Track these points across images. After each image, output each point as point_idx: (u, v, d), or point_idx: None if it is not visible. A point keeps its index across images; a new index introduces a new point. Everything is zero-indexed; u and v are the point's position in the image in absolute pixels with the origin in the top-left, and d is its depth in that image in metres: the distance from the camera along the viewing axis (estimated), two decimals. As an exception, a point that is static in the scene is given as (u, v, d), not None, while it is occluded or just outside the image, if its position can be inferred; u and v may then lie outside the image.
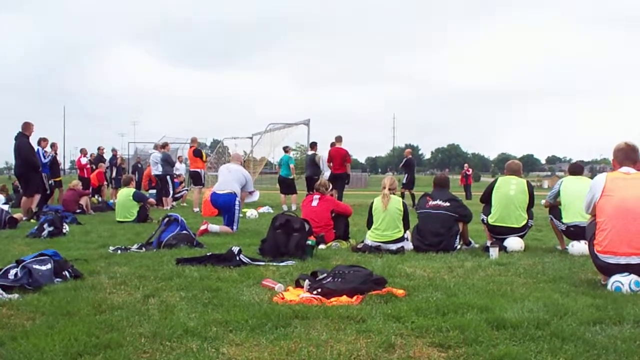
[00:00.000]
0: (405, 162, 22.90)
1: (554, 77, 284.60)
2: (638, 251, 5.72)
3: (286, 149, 21.00)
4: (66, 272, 6.08)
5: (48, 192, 18.24)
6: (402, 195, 19.49)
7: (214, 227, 10.94)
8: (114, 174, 25.95)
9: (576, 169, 9.46)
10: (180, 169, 24.29)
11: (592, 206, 6.21)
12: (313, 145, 20.84)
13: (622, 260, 5.76)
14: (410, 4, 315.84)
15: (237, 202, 11.43)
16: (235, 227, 11.33)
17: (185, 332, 4.05)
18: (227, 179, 11.80)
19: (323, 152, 20.40)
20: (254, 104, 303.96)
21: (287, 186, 20.33)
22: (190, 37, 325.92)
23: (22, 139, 14.63)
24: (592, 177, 7.20)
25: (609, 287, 5.72)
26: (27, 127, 14.75)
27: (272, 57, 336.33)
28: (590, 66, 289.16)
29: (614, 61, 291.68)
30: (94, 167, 23.92)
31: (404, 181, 22.34)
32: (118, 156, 27.98)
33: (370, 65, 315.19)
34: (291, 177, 20.26)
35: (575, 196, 8.54)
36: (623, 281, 5.64)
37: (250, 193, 12.22)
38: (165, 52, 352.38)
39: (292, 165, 20.31)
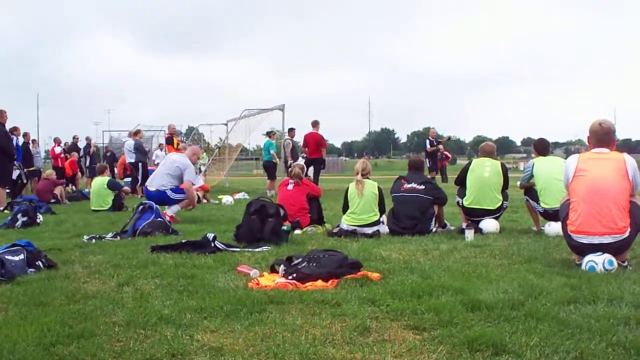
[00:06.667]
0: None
1: (526, 59, 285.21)
2: (611, 230, 5.77)
3: (269, 134, 21.02)
4: (39, 262, 6.02)
5: (24, 182, 18.16)
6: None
7: (172, 209, 11.00)
8: (87, 163, 25.78)
9: (543, 147, 9.46)
10: (161, 156, 24.20)
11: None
12: (289, 131, 20.84)
13: (595, 240, 5.80)
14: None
15: (169, 192, 11.06)
16: (182, 197, 11.15)
17: (160, 320, 4.03)
18: (159, 171, 11.58)
19: (298, 137, 20.50)
20: (229, 90, 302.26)
21: (267, 171, 20.49)
22: (164, 23, 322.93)
23: None
24: (566, 158, 7.21)
25: (583, 266, 5.76)
26: (0, 115, 14.55)
27: (245, 43, 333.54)
28: (561, 47, 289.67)
29: (584, 42, 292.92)
30: (68, 156, 23.76)
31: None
32: (92, 145, 27.77)
33: (344, 50, 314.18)
34: (274, 161, 20.31)
35: (550, 180, 8.60)
36: (597, 260, 5.68)
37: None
38: (139, 39, 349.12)
39: (272, 152, 20.32)
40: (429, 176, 19.58)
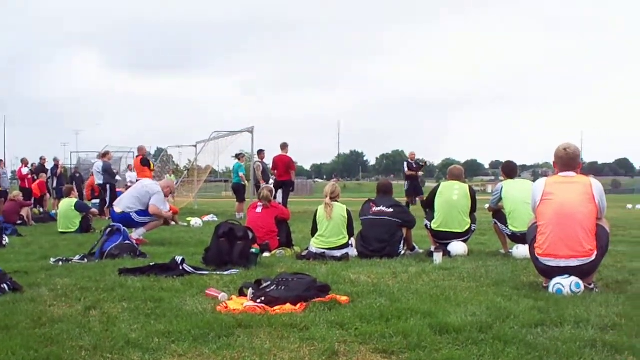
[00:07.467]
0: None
1: (496, 82, 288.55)
2: (577, 253, 5.81)
3: (238, 157, 21.03)
4: (5, 285, 5.92)
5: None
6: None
7: (138, 232, 10.91)
8: (55, 184, 25.52)
9: (511, 170, 9.54)
10: (132, 177, 24.06)
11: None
12: (259, 152, 20.85)
13: (562, 263, 5.84)
14: (354, 10, 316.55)
15: (133, 215, 11.01)
16: (147, 220, 11.10)
17: (127, 344, 3.99)
18: (128, 194, 11.57)
19: (267, 160, 20.50)
20: (198, 111, 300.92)
21: (236, 193, 20.49)
22: (134, 45, 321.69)
23: None
24: (534, 181, 7.29)
25: (550, 289, 5.80)
26: None
27: (215, 64, 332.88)
28: (528, 72, 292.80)
29: (552, 66, 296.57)
30: (36, 177, 23.54)
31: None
32: (60, 166, 27.49)
33: (314, 72, 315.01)
34: (243, 184, 20.31)
35: (519, 202, 8.65)
36: (564, 283, 5.73)
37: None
38: (107, 60, 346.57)
39: (241, 174, 20.33)
40: (404, 200, 18.82)
